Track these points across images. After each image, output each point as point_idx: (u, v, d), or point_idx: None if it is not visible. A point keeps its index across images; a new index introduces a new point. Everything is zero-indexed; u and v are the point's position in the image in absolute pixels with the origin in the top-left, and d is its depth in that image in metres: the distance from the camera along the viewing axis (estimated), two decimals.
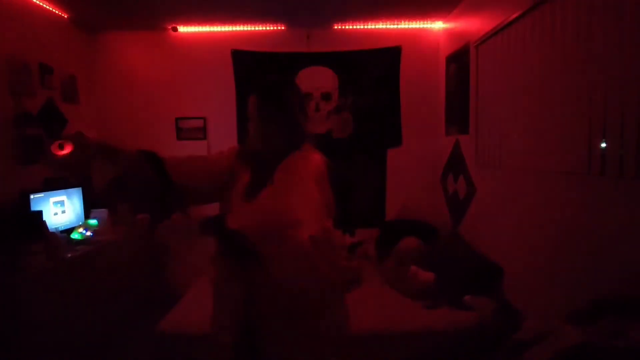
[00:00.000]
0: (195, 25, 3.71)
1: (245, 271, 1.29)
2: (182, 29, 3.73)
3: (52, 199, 2.80)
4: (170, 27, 3.70)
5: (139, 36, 3.76)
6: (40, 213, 2.56)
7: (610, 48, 1.64)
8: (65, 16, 3.33)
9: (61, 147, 1.17)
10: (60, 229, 2.78)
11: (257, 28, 3.73)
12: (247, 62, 3.74)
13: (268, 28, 3.74)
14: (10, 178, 2.62)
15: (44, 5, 3.08)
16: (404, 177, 3.83)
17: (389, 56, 3.76)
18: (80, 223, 3.01)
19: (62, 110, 3.11)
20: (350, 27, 3.74)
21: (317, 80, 3.70)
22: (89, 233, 2.90)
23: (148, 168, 1.26)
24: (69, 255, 2.57)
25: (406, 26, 3.74)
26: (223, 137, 3.79)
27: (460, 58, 3.22)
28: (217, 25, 3.71)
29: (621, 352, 1.24)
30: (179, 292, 3.00)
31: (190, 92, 3.80)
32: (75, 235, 2.84)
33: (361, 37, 3.74)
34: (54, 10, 3.19)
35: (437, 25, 3.73)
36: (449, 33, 3.59)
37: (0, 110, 2.60)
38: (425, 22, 3.71)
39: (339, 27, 3.74)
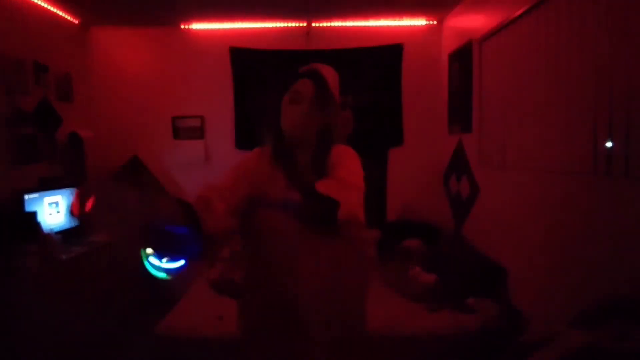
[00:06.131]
0: (192, 22, 3.66)
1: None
2: (179, 25, 3.67)
3: (47, 200, 2.76)
4: (167, 24, 3.65)
5: (134, 33, 3.70)
6: (34, 214, 2.51)
7: (617, 45, 1.61)
8: (60, 13, 3.28)
9: None
10: (55, 230, 2.73)
11: (255, 25, 3.68)
12: (245, 59, 3.69)
13: (267, 25, 3.68)
14: (4, 178, 2.58)
15: (39, 3, 3.03)
16: (406, 177, 3.78)
17: (390, 54, 3.71)
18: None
19: (56, 109, 3.06)
20: (351, 24, 3.68)
21: None
22: None
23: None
24: (64, 256, 2.53)
25: (408, 23, 3.69)
26: (221, 137, 3.74)
27: (463, 55, 3.17)
28: (214, 22, 3.66)
29: (627, 354, 1.21)
30: (177, 294, 2.96)
31: (187, 91, 3.75)
32: None
33: (362, 35, 3.69)
34: (48, 7, 3.14)
35: (440, 22, 3.67)
36: (451, 30, 3.54)
37: None
38: (427, 19, 3.66)
39: (339, 24, 3.68)
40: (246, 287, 1.34)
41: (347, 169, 1.29)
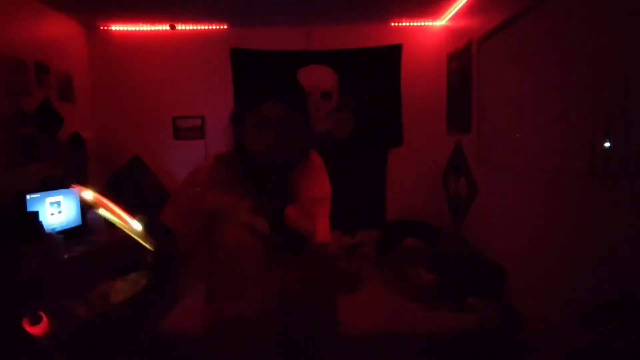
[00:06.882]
0: (193, 23, 3.67)
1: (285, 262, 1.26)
2: (180, 26, 3.69)
3: (49, 199, 2.77)
4: (168, 25, 3.66)
5: (135, 34, 3.72)
6: (36, 214, 2.53)
7: (614, 45, 1.61)
8: (62, 14, 3.29)
9: None
10: (57, 230, 2.75)
11: (256, 25, 3.68)
12: (246, 60, 3.70)
13: (267, 25, 3.69)
14: (6, 178, 2.59)
15: (40, 3, 3.04)
16: (405, 177, 3.79)
17: (389, 54, 3.72)
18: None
19: (58, 110, 3.08)
20: (350, 24, 3.69)
21: (316, 79, 3.64)
22: None
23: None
24: (66, 256, 2.54)
25: (407, 24, 3.70)
26: (221, 137, 3.74)
27: (462, 56, 3.18)
28: (215, 23, 3.67)
29: (625, 354, 1.22)
30: (178, 294, 2.97)
31: (188, 91, 3.76)
32: None
33: (361, 35, 3.70)
34: (49, 8, 3.15)
35: (439, 22, 3.69)
36: (450, 30, 3.55)
37: None
38: (426, 20, 3.67)
39: (339, 24, 3.69)
40: (211, 297, 1.34)
41: (314, 189, 1.29)
